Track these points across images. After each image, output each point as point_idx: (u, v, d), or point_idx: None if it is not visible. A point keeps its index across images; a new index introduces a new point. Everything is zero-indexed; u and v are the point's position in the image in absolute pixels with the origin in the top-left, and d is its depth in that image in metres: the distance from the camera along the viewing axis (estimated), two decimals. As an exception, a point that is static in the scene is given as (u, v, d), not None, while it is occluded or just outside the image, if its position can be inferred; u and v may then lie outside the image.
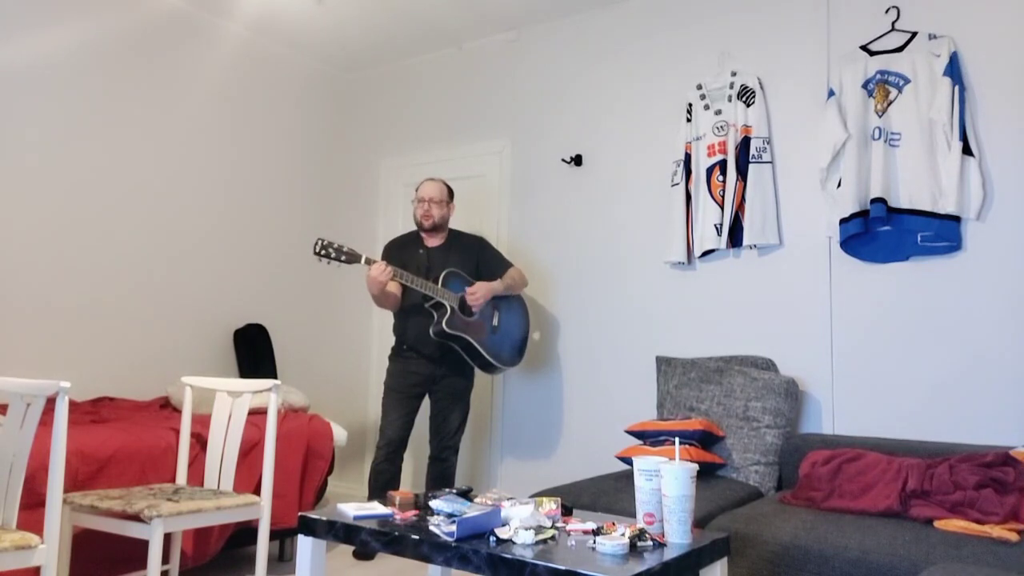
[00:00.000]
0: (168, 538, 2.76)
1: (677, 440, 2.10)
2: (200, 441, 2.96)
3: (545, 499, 2.04)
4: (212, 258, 4.27)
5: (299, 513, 2.06)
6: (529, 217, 4.23)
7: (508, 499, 2.12)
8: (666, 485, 1.82)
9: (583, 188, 4.05)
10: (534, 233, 4.20)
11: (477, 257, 3.67)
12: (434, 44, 4.64)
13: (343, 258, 3.26)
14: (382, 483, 3.46)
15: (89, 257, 3.72)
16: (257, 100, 4.57)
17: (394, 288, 3.52)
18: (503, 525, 1.88)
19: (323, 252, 3.24)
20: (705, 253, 3.55)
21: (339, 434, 3.56)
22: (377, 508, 2.06)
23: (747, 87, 3.52)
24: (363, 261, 3.29)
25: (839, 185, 3.22)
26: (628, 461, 3.04)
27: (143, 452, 2.78)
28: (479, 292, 3.47)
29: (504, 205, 4.33)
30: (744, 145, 3.48)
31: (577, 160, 4.06)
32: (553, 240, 4.12)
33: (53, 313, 3.57)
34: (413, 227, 3.78)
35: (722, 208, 3.49)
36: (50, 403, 2.07)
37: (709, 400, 3.19)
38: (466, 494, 2.20)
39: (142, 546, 2.72)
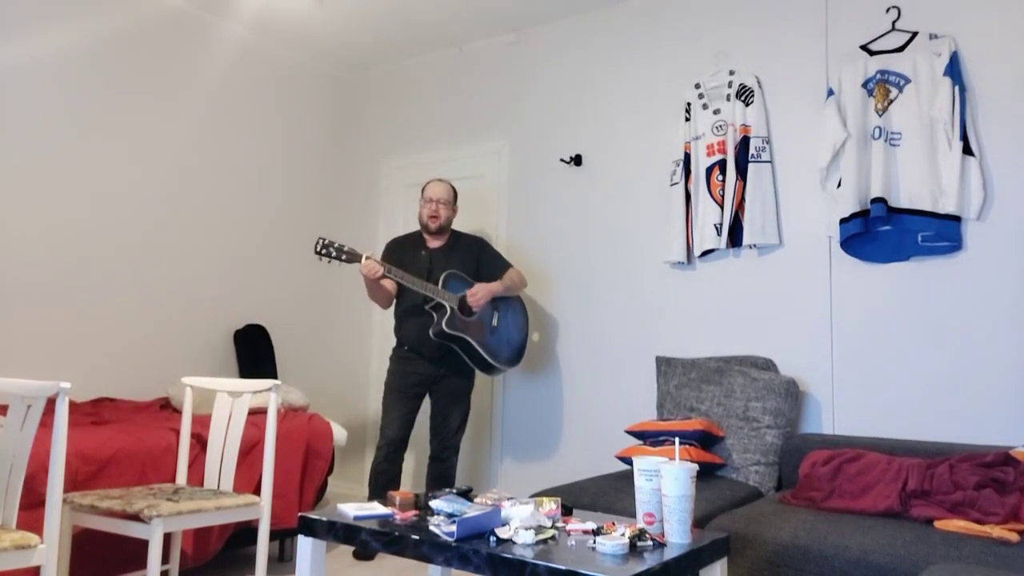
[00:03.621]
0: (168, 538, 2.76)
1: (677, 440, 2.10)
2: (200, 441, 2.96)
3: (545, 499, 2.04)
4: (212, 258, 4.27)
5: (299, 513, 2.07)
6: (528, 217, 4.23)
7: (508, 499, 2.12)
8: (666, 485, 1.82)
9: (582, 188, 4.05)
10: (533, 233, 4.20)
11: (477, 258, 3.67)
12: (434, 45, 4.64)
13: (343, 257, 3.27)
14: (382, 483, 3.46)
15: (89, 257, 3.72)
16: (257, 100, 4.57)
17: (389, 285, 3.53)
18: (503, 525, 1.88)
19: (324, 251, 3.25)
20: (705, 253, 3.55)
21: (339, 434, 3.56)
22: (377, 508, 2.06)
23: (745, 86, 3.52)
24: (363, 260, 3.29)
25: (839, 185, 3.22)
26: (628, 461, 3.04)
27: (143, 452, 2.78)
28: (479, 293, 3.48)
29: (503, 205, 4.33)
30: (743, 145, 3.48)
31: (576, 160, 4.06)
32: (552, 240, 4.12)
33: (53, 313, 3.57)
34: (414, 227, 3.78)
35: (722, 208, 3.49)
36: (50, 404, 2.07)
37: (709, 400, 3.19)
38: (466, 494, 2.20)
39: (142, 546, 2.72)
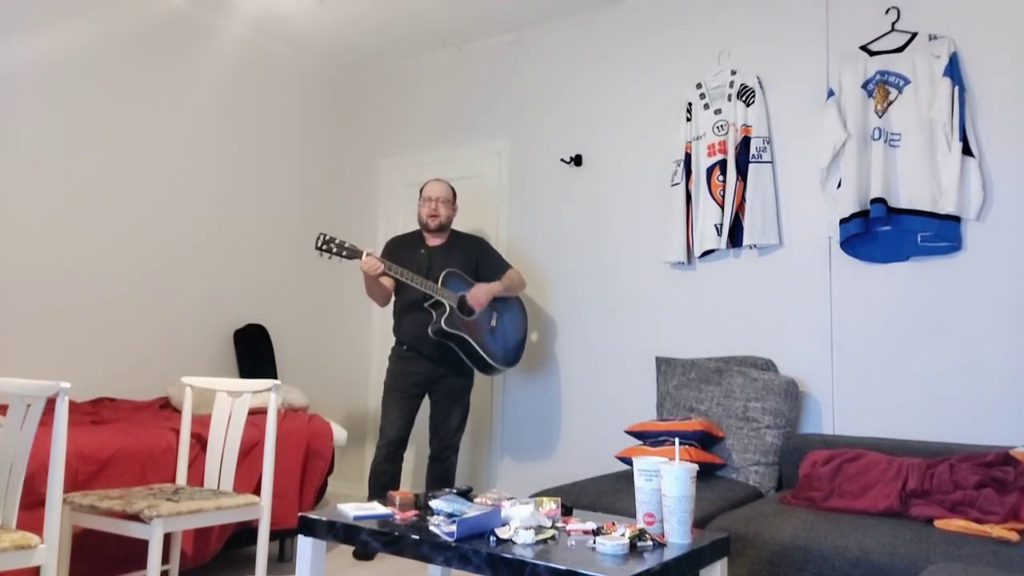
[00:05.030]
0: (168, 538, 2.76)
1: (677, 440, 2.10)
2: (200, 441, 2.96)
3: (545, 499, 2.04)
4: (212, 258, 4.27)
5: (299, 513, 2.07)
6: (528, 217, 4.23)
7: (508, 499, 2.12)
8: (666, 485, 1.82)
9: (583, 188, 4.05)
10: (533, 233, 4.20)
11: (477, 258, 3.67)
12: (434, 45, 4.64)
13: (344, 253, 3.27)
14: (382, 483, 3.46)
15: (89, 257, 3.72)
16: (257, 100, 4.57)
17: (387, 282, 3.53)
18: (503, 525, 1.88)
19: (324, 247, 3.25)
20: (705, 253, 3.55)
21: (339, 434, 3.56)
22: (377, 508, 2.06)
23: (747, 86, 3.52)
24: (363, 257, 3.30)
25: (839, 185, 3.22)
26: (628, 461, 3.04)
27: (143, 452, 2.78)
28: (480, 293, 3.48)
29: (503, 205, 4.33)
30: (744, 145, 3.48)
31: (577, 160, 4.06)
32: (552, 240, 4.12)
33: (53, 313, 3.57)
34: (414, 227, 3.79)
35: (722, 208, 3.49)
36: (50, 404, 2.07)
37: (709, 400, 3.19)
38: (466, 494, 2.20)
39: (142, 546, 2.72)
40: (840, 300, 3.25)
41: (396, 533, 1.85)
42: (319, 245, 3.25)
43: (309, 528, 2.02)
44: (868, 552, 2.06)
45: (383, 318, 4.68)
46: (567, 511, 2.10)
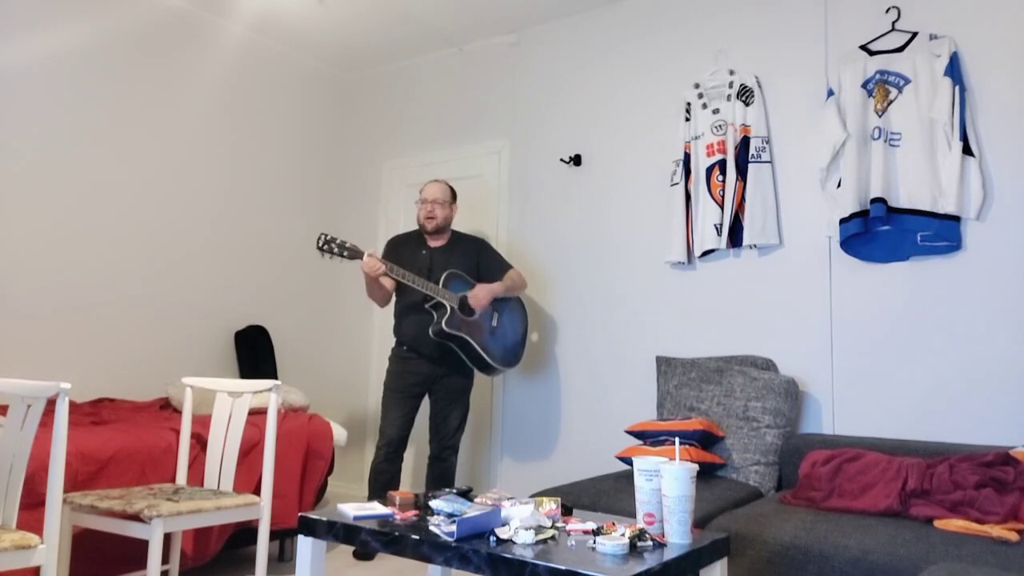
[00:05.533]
0: (168, 538, 2.76)
1: (677, 440, 2.10)
2: (200, 441, 2.97)
3: (545, 499, 2.04)
4: (213, 259, 4.27)
5: (299, 513, 2.07)
6: (528, 217, 4.23)
7: (508, 499, 2.12)
8: (666, 485, 1.82)
9: (582, 188, 4.06)
10: (533, 233, 4.20)
11: (478, 258, 3.67)
12: (434, 45, 4.64)
13: (345, 254, 3.27)
14: (382, 483, 3.46)
15: (89, 257, 3.72)
16: (258, 101, 4.57)
17: (388, 283, 3.53)
18: (503, 525, 1.88)
19: (326, 247, 3.25)
20: (705, 253, 3.55)
21: (339, 434, 3.56)
22: (377, 508, 2.06)
23: (746, 86, 3.52)
24: (365, 257, 3.30)
25: (839, 185, 3.22)
26: (628, 461, 3.04)
27: (143, 452, 2.78)
28: (481, 294, 3.48)
29: (503, 205, 4.33)
30: (743, 145, 3.48)
31: (576, 160, 4.06)
32: (552, 240, 4.12)
33: (53, 313, 3.57)
34: (414, 227, 3.79)
35: (722, 208, 3.49)
36: (50, 404, 2.07)
37: (709, 400, 3.19)
38: (466, 494, 2.20)
39: (142, 546, 2.72)
40: (840, 300, 3.25)
41: (396, 533, 1.85)
42: (320, 245, 3.25)
43: (309, 528, 2.02)
44: (868, 552, 2.06)
45: (383, 318, 4.68)
46: (567, 511, 2.10)
